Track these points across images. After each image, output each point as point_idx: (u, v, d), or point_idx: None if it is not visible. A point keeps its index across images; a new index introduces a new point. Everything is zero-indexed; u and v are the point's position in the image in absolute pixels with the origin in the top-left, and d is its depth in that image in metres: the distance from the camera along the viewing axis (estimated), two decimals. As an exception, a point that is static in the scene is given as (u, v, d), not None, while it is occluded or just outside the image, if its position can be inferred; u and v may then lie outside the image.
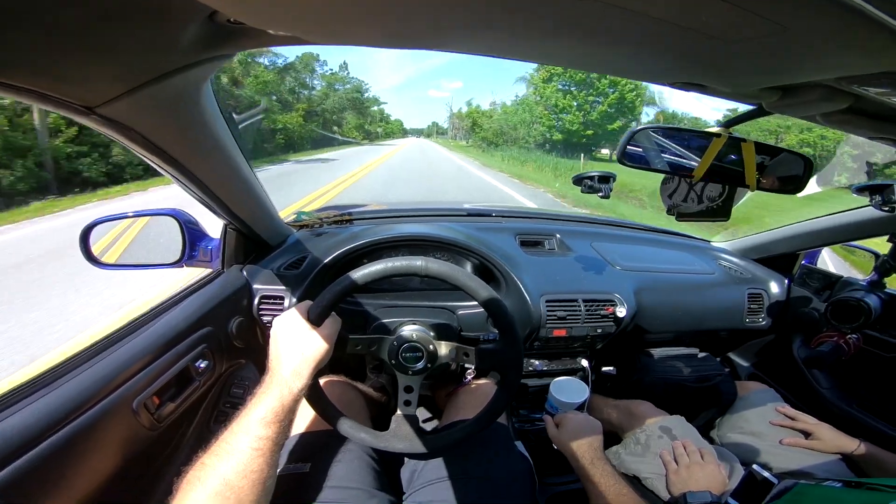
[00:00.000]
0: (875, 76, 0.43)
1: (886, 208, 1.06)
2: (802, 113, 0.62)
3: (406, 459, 1.02)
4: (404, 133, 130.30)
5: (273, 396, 0.69)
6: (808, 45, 0.36)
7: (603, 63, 0.48)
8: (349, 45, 0.40)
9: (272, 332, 0.77)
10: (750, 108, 0.66)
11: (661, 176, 0.84)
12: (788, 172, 0.78)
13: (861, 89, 0.50)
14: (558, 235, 1.57)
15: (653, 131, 0.76)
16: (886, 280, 1.18)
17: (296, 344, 0.73)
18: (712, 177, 0.78)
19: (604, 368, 1.66)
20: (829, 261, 2.05)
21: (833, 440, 1.16)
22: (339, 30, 0.38)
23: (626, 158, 0.76)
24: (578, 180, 1.15)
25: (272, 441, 0.67)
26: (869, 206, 1.11)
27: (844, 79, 0.46)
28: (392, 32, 0.39)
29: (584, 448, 0.97)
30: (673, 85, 0.56)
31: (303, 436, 0.96)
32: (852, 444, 1.13)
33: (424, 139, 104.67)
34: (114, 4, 0.34)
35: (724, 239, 1.85)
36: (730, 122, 0.71)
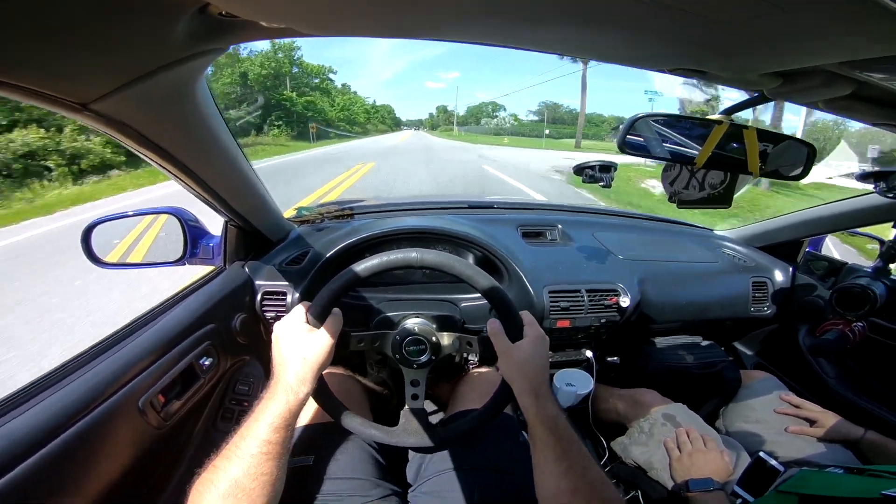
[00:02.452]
0: (878, 61, 0.42)
1: (891, 195, 1.05)
2: (804, 99, 0.61)
3: (411, 451, 1.02)
4: (392, 127, 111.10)
5: (280, 402, 0.70)
6: (806, 26, 0.36)
7: (601, 50, 0.47)
8: (343, 35, 0.40)
9: (274, 337, 0.77)
10: (751, 95, 0.65)
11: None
12: (792, 159, 0.78)
13: (864, 75, 0.49)
14: (560, 226, 1.56)
15: (653, 119, 0.75)
16: (892, 266, 1.17)
17: (298, 349, 0.73)
18: (714, 164, 0.77)
19: (608, 358, 1.66)
20: (832, 247, 2.03)
21: (837, 428, 1.16)
22: (332, 20, 0.37)
23: (627, 146, 0.75)
24: (579, 170, 1.14)
25: (281, 444, 0.68)
26: (873, 192, 1.10)
27: (846, 63, 0.46)
28: (386, 22, 0.38)
29: (536, 377, 0.75)
30: (673, 72, 0.55)
31: (306, 428, 0.97)
32: (857, 432, 1.13)
33: (426, 133, 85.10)
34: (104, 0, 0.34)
35: (727, 227, 1.84)
36: (731, 109, 0.70)
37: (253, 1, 0.35)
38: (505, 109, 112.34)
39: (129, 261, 1.22)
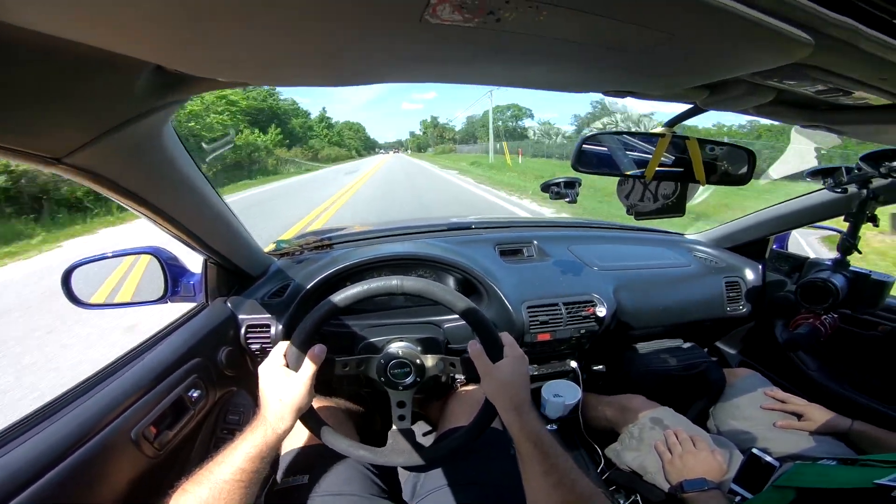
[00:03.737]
0: (781, 69, 0.46)
1: (839, 190, 1.11)
2: (734, 107, 0.65)
3: (405, 471, 1.03)
4: (362, 152, 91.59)
5: (258, 435, 0.74)
6: (700, 49, 0.40)
7: (531, 80, 0.51)
8: (295, 86, 0.43)
9: (260, 376, 0.80)
10: (687, 106, 0.70)
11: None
12: (734, 165, 0.83)
13: (777, 83, 0.53)
14: (536, 242, 1.60)
15: (602, 137, 0.80)
16: (850, 258, 1.21)
17: (276, 391, 0.77)
18: (664, 175, 0.82)
19: (594, 367, 1.68)
20: (802, 241, 2.10)
21: (825, 420, 1.18)
22: (281, 74, 0.41)
23: (580, 164, 0.80)
24: (546, 187, 1.19)
25: (254, 473, 0.72)
26: (823, 188, 1.16)
27: (758, 74, 0.50)
28: (333, 73, 0.42)
29: (518, 395, 0.78)
30: (606, 93, 0.60)
31: (300, 450, 1.00)
32: (844, 423, 1.15)
33: (411, 158, 65.22)
34: (63, 60, 0.37)
35: (696, 231, 1.89)
36: (671, 122, 0.75)
37: (202, 62, 0.38)
38: (532, 116, 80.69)
39: (114, 301, 1.24)
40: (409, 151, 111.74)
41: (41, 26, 0.30)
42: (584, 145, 0.79)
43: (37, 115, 0.42)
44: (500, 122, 75.76)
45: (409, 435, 0.90)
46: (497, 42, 0.36)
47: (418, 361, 0.90)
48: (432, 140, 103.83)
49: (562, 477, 0.69)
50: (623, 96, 0.61)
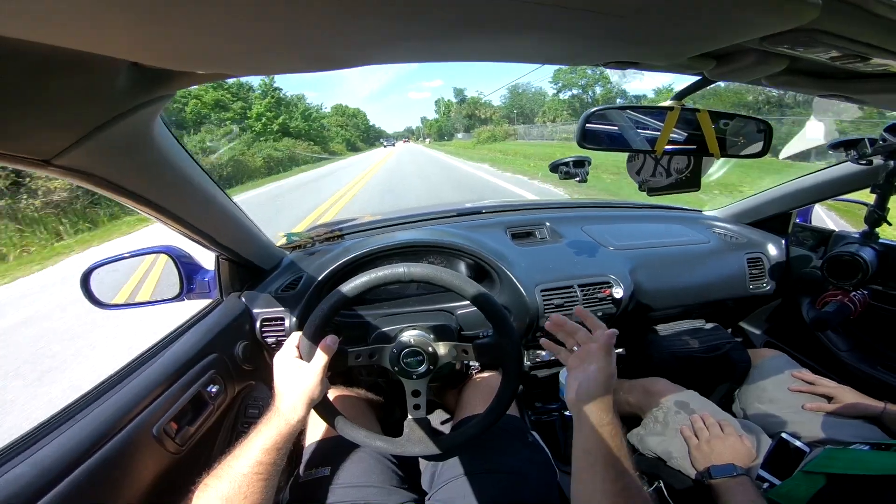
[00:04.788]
0: (793, 34, 0.43)
1: (863, 162, 1.05)
2: (745, 78, 0.62)
3: (423, 460, 1.04)
4: (355, 146, 74.81)
5: (273, 427, 0.75)
6: (705, 11, 0.37)
7: (530, 55, 0.49)
8: (274, 73, 0.42)
9: (274, 367, 0.82)
10: (695, 78, 0.67)
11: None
12: (749, 137, 0.79)
13: (789, 49, 0.50)
14: (548, 223, 1.57)
15: (608, 112, 0.77)
16: (878, 231, 1.15)
17: (289, 382, 0.79)
18: (676, 149, 0.79)
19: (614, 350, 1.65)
20: (824, 216, 2.02)
21: (856, 403, 1.13)
22: (260, 63, 0.40)
23: (586, 141, 0.77)
24: (555, 167, 1.16)
25: (272, 465, 0.73)
26: (846, 160, 1.10)
27: (766, 39, 0.47)
28: (312, 57, 0.41)
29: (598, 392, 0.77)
30: (607, 65, 0.57)
31: (321, 442, 1.01)
32: (877, 407, 1.10)
33: (425, 149, 51.44)
34: (38, 60, 0.37)
35: (715, 207, 1.83)
36: (679, 94, 0.72)
37: (179, 56, 0.37)
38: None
39: (133, 300, 1.27)
40: (429, 140, 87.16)
41: (6, 30, 0.29)
42: (588, 122, 0.76)
43: (17, 118, 0.42)
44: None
45: (424, 424, 0.90)
46: (479, 13, 0.34)
47: (430, 349, 0.90)
48: (459, 124, 73.72)
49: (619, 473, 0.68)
50: (625, 68, 0.59)
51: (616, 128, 0.77)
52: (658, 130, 0.76)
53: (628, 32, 0.42)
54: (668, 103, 0.74)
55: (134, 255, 1.19)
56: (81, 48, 0.33)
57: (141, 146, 0.62)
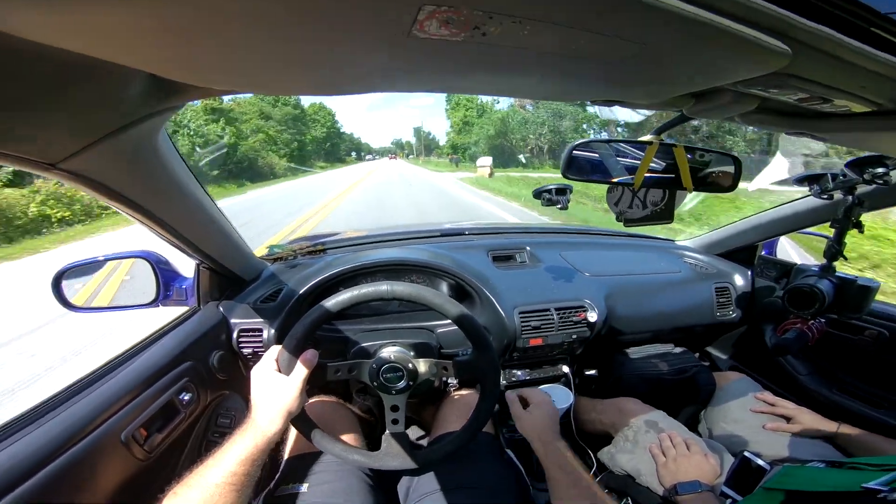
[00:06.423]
0: (763, 78, 0.47)
1: (825, 196, 1.12)
2: (720, 115, 0.67)
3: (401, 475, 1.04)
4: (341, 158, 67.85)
5: (248, 438, 0.75)
6: (675, 58, 0.41)
7: (520, 90, 0.53)
8: (288, 94, 0.44)
9: (252, 379, 0.82)
10: (675, 114, 0.72)
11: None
12: (721, 172, 0.84)
13: (761, 91, 0.55)
14: (528, 248, 1.61)
15: (591, 144, 0.81)
16: (836, 264, 1.23)
17: (267, 394, 0.79)
18: (652, 182, 0.84)
19: (586, 371, 1.69)
20: (789, 248, 2.12)
21: (813, 424, 1.19)
22: (275, 83, 0.42)
23: (570, 172, 0.81)
24: (538, 194, 1.20)
25: (246, 476, 0.72)
26: (809, 195, 1.18)
27: (741, 83, 0.51)
28: (322, 82, 0.43)
29: (545, 431, 0.99)
30: (594, 103, 0.61)
31: (299, 457, 1.00)
32: (831, 427, 1.16)
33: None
34: (55, 67, 0.38)
35: (687, 237, 1.91)
36: (659, 129, 0.77)
37: (197, 72, 0.39)
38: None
39: (97, 304, 1.23)
40: (422, 158, 74.93)
41: (32, 35, 0.30)
42: (574, 152, 0.80)
43: (30, 122, 0.43)
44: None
45: (402, 438, 0.90)
46: (484, 55, 0.37)
47: (411, 366, 0.91)
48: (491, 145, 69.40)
49: (582, 489, 0.84)
50: (610, 105, 0.63)
51: (599, 158, 0.81)
52: (637, 162, 0.80)
53: (615, 75, 0.45)
54: (647, 138, 0.78)
55: (110, 258, 1.16)
56: (104, 57, 0.34)
57: (144, 154, 0.63)
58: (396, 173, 34.62)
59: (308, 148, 51.09)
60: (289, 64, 0.37)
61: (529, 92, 0.54)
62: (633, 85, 0.51)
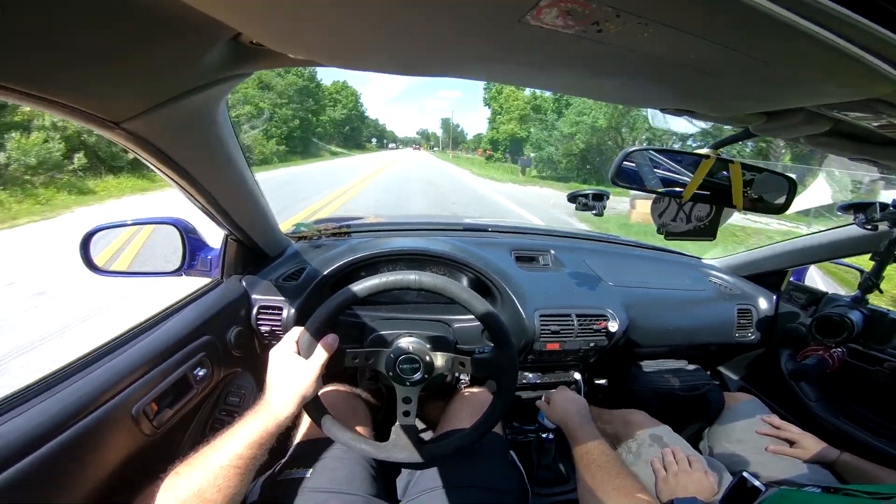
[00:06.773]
0: (852, 102, 0.46)
1: (869, 227, 1.10)
2: (787, 135, 0.65)
3: (402, 468, 1.03)
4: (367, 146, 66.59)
5: (259, 420, 0.73)
6: (787, 77, 0.39)
7: (598, 92, 0.51)
8: (366, 70, 0.43)
9: (270, 360, 0.80)
10: (737, 130, 0.70)
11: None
12: (774, 192, 0.82)
13: (840, 114, 0.53)
14: (553, 251, 1.60)
15: (646, 152, 0.79)
16: (868, 297, 1.21)
17: (284, 376, 0.77)
18: (701, 197, 0.81)
19: (596, 381, 1.68)
20: (817, 277, 2.09)
21: (814, 449, 1.19)
22: (356, 56, 0.40)
23: (619, 178, 0.79)
24: (573, 198, 1.18)
25: (252, 460, 0.71)
26: (853, 223, 1.15)
27: (824, 105, 0.50)
28: (408, 61, 0.41)
29: (573, 414, 1.10)
30: (664, 110, 0.59)
31: (306, 443, 1.00)
32: (833, 454, 1.16)
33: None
34: (142, 25, 0.37)
35: (714, 256, 1.89)
36: (718, 144, 0.75)
37: (282, 35, 0.37)
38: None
39: (126, 269, 1.23)
40: (452, 153, 66.52)
41: None
42: (625, 161, 0.78)
43: (107, 78, 0.42)
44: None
45: (412, 431, 0.90)
46: (585, 52, 0.35)
47: (428, 358, 0.90)
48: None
49: (612, 468, 0.92)
50: (680, 115, 0.61)
51: (650, 169, 0.79)
52: (689, 176, 0.78)
53: (707, 87, 0.44)
54: (704, 151, 0.76)
55: (139, 222, 1.16)
56: (199, 7, 0.32)
57: (202, 122, 0.62)
58: (418, 175, 23.37)
59: (317, 129, 45.49)
60: (381, 38, 0.36)
61: (603, 93, 0.52)
62: (720, 99, 0.49)
